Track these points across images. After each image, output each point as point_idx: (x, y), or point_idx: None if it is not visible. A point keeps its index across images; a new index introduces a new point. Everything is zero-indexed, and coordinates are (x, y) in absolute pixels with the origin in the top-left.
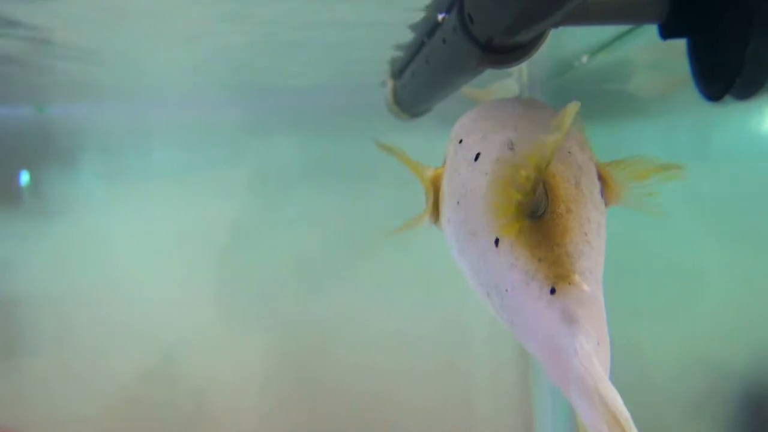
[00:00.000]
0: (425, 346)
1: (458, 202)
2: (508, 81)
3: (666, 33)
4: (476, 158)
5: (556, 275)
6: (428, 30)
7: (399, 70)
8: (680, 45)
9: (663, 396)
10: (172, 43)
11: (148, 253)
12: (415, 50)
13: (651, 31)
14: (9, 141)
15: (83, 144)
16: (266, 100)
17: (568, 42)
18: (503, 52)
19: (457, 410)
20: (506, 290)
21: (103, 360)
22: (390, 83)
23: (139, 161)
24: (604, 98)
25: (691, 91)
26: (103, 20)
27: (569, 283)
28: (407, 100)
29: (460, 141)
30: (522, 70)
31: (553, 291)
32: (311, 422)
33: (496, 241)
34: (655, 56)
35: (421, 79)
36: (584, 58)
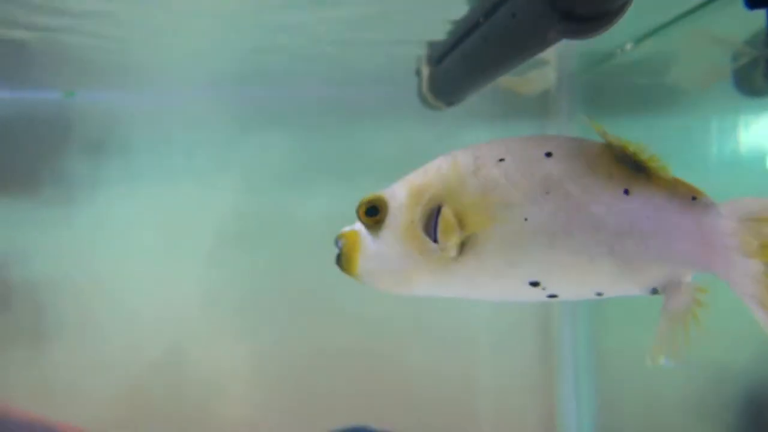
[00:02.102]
0: (450, 342)
1: (548, 192)
2: (546, 69)
3: (752, 2)
4: (548, 155)
5: (689, 191)
6: (487, 8)
7: (439, 56)
8: (727, 36)
9: (667, 398)
10: (195, 31)
11: (168, 240)
12: (466, 31)
13: (698, 19)
14: (36, 126)
15: (109, 130)
16: (289, 89)
17: (613, 29)
18: (585, 20)
19: (481, 401)
20: (647, 217)
21: (120, 347)
22: (426, 71)
23: (161, 149)
24: (640, 91)
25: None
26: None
27: (702, 195)
28: (448, 87)
29: (501, 159)
30: (560, 57)
31: (694, 198)
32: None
33: (626, 191)
34: (697, 47)
35: (475, 60)
36: (628, 46)
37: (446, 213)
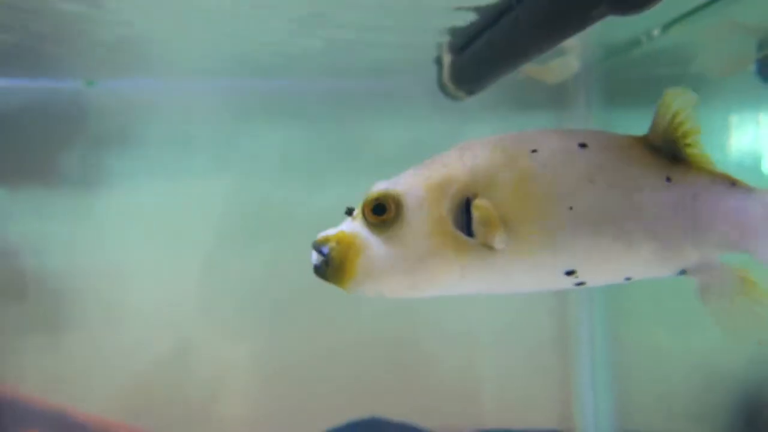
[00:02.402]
0: (464, 329)
1: (592, 181)
2: (569, 57)
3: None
4: (582, 146)
5: (727, 177)
6: None
7: (464, 43)
8: (757, 24)
9: (664, 401)
10: (214, 21)
11: (188, 231)
12: (496, 16)
13: (727, 5)
14: (55, 115)
15: (128, 120)
16: (309, 80)
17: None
18: None
19: (498, 389)
20: (689, 203)
21: (135, 337)
22: (447, 59)
23: (181, 139)
24: (661, 82)
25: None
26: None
27: (740, 182)
28: (471, 75)
29: (534, 150)
30: (584, 44)
31: (733, 184)
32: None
33: (668, 179)
34: (724, 35)
35: (505, 45)
36: (655, 32)
37: (483, 205)
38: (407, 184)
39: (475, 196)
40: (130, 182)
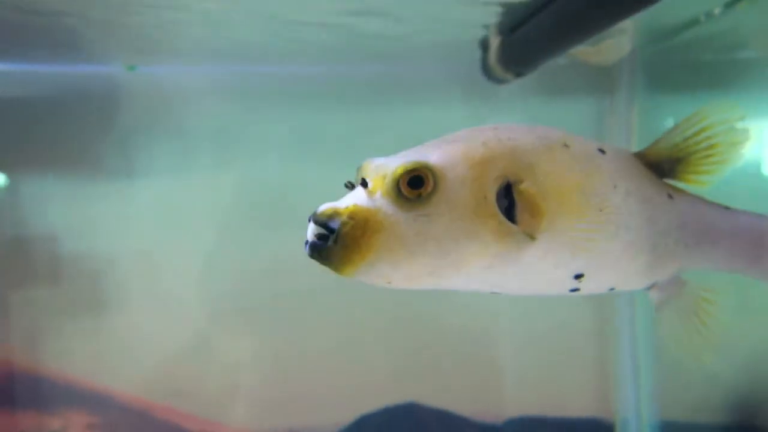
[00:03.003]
0: (504, 318)
1: (615, 187)
2: (621, 38)
3: None
4: (601, 151)
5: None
6: None
7: (516, 23)
8: None
9: (707, 390)
10: (251, 8)
11: (224, 216)
12: None
13: None
14: (96, 100)
15: (168, 104)
16: (349, 65)
17: None
18: None
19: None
20: (689, 220)
21: (175, 320)
22: (495, 40)
23: (220, 124)
24: (712, 67)
25: None
26: None
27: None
28: (522, 56)
29: (565, 145)
30: (636, 24)
31: (727, 208)
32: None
33: (669, 195)
34: None
35: (565, 23)
36: (716, 10)
37: (531, 191)
38: (444, 158)
39: (518, 180)
40: (167, 168)
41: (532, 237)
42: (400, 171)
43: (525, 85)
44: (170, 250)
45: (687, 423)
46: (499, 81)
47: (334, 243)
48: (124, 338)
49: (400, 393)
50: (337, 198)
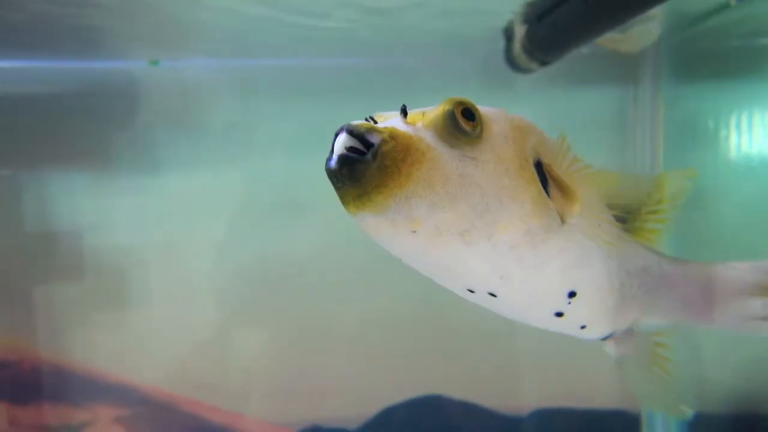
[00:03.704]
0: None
1: (611, 206)
2: (650, 25)
3: None
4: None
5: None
6: None
7: (542, 12)
8: None
9: (736, 381)
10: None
11: (243, 210)
12: None
13: None
14: (118, 95)
15: (189, 99)
16: (368, 58)
17: None
18: None
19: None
20: (657, 264)
21: (195, 313)
22: (520, 30)
23: (243, 119)
24: (738, 54)
25: None
26: None
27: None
28: (549, 44)
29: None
30: (664, 11)
31: (686, 262)
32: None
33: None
34: None
35: (595, 10)
36: None
37: (561, 174)
38: (486, 111)
39: (548, 162)
40: (189, 163)
41: (563, 219)
42: (453, 101)
43: (543, 75)
44: (192, 244)
45: (714, 414)
46: (523, 71)
47: (373, 159)
48: (148, 332)
49: (425, 385)
50: None
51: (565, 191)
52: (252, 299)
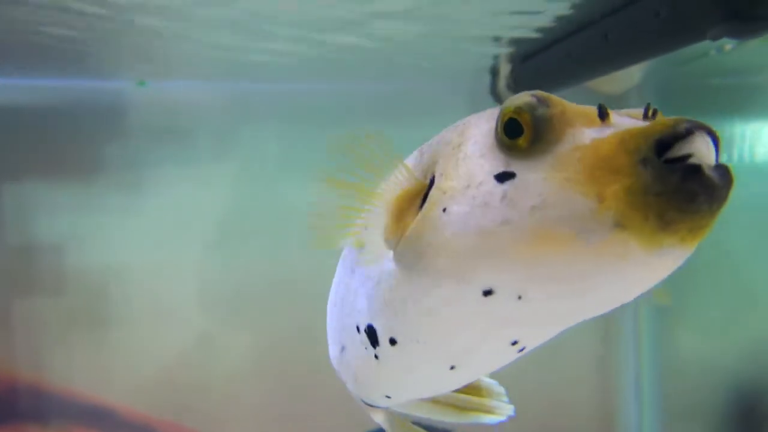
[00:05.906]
0: None
1: None
2: (632, 68)
3: None
4: None
5: None
6: (615, 6)
7: (529, 53)
8: None
9: (658, 396)
10: (262, 29)
11: (225, 229)
12: (573, 29)
13: None
14: (103, 114)
15: (175, 119)
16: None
17: None
18: (754, 19)
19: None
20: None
21: (177, 331)
22: (506, 68)
23: (226, 139)
24: (721, 92)
25: None
26: None
27: None
28: (533, 84)
29: None
30: None
31: None
32: None
33: None
34: None
35: (583, 58)
36: (728, 47)
37: None
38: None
39: None
40: (172, 182)
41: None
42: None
43: None
44: (173, 264)
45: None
46: None
47: (727, 186)
48: (127, 352)
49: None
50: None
51: None
52: (234, 319)
